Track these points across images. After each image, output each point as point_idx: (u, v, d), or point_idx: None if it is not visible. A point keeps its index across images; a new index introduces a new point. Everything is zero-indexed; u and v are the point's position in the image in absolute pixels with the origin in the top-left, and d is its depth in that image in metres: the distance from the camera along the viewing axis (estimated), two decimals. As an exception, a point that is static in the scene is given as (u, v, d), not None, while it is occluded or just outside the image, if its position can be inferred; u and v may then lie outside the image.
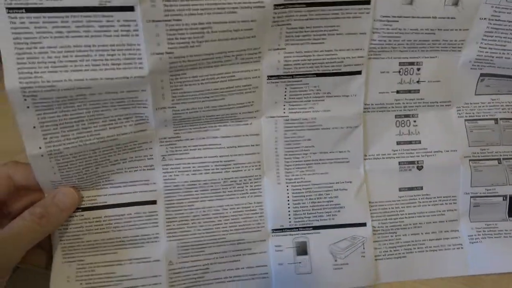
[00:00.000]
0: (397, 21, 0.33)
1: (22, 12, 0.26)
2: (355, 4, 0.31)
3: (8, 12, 0.26)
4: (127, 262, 0.33)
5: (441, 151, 0.36)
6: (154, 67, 0.29)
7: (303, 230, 0.35)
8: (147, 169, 0.33)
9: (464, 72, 0.36)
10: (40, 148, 0.29)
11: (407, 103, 0.36)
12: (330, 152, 0.35)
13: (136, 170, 0.33)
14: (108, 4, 0.27)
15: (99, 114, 0.30)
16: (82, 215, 0.32)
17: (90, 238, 0.32)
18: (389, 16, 0.33)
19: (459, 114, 0.37)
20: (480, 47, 0.35)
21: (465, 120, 0.37)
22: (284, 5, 0.30)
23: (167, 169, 0.33)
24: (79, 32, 0.27)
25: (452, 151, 0.36)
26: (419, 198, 0.36)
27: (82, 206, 0.32)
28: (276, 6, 0.30)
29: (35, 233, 0.29)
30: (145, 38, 0.28)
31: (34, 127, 0.28)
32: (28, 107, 0.28)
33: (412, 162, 0.36)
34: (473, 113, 0.37)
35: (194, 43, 0.29)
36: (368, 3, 0.32)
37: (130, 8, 0.27)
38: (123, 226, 0.33)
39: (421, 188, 0.36)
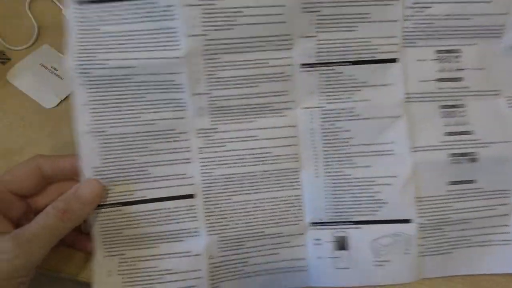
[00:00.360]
0: (430, 7, 0.33)
1: (86, 4, 0.31)
2: None
3: (78, 4, 0.31)
4: (168, 257, 0.32)
5: (495, 142, 0.34)
6: (190, 49, 0.31)
7: (342, 225, 0.33)
8: (185, 162, 0.33)
9: (509, 60, 0.34)
10: (87, 125, 0.31)
11: (451, 92, 0.34)
12: (372, 144, 0.33)
13: (173, 164, 0.33)
14: None
15: (142, 97, 0.32)
16: (121, 210, 0.32)
17: (130, 233, 0.32)
18: (420, 3, 0.33)
19: (509, 104, 0.35)
20: (524, 32, 0.34)
21: (516, 110, 0.34)
22: None
23: (204, 162, 0.33)
24: (128, 19, 0.31)
25: (505, 142, 0.34)
26: (470, 193, 0.34)
27: (121, 201, 0.32)
28: None
29: (59, 229, 0.29)
30: (182, 21, 0.30)
31: (85, 104, 0.31)
32: (81, 84, 0.31)
33: (464, 154, 0.33)
34: (524, 102, 0.35)
35: (227, 26, 0.31)
36: (398, -10, 0.32)
37: None
38: (163, 220, 0.32)
39: (474, 181, 0.34)
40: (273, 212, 0.33)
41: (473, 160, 0.33)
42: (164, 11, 0.31)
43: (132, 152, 0.32)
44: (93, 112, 0.32)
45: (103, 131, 0.32)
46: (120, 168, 0.32)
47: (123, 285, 0.32)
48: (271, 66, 0.32)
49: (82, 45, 0.31)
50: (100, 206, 0.32)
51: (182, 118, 0.33)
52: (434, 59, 0.34)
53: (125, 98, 0.32)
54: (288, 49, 0.32)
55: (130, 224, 0.32)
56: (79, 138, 0.32)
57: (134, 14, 0.31)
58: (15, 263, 0.26)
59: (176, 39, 0.31)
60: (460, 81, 0.34)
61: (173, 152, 0.33)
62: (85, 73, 0.31)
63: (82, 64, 0.31)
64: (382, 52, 0.33)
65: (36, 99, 0.41)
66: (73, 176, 0.32)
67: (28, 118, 0.41)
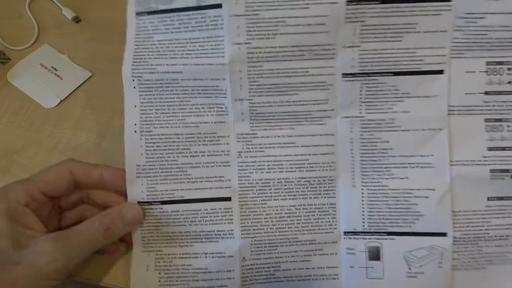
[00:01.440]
0: (483, 17, 0.31)
1: (145, 15, 0.34)
2: (434, 1, 0.31)
3: (137, 15, 0.34)
4: (203, 256, 0.34)
5: None
6: (233, 56, 0.32)
7: (376, 235, 0.33)
8: (223, 165, 0.34)
9: None
10: (135, 124, 0.34)
11: (498, 106, 0.33)
12: (411, 156, 0.33)
13: (212, 166, 0.34)
14: (203, 4, 0.32)
15: (187, 101, 0.34)
16: (162, 208, 0.34)
17: (168, 230, 0.34)
18: (474, 13, 0.31)
19: None
20: None
21: None
22: (357, 2, 0.31)
23: (242, 166, 0.34)
24: (180, 28, 0.33)
25: None
26: (509, 209, 0.33)
27: (161, 200, 0.34)
28: (349, 2, 0.31)
29: (98, 242, 0.30)
30: (227, 30, 0.32)
31: (135, 106, 0.34)
32: (134, 87, 0.33)
33: (506, 170, 0.33)
34: None
35: (270, 35, 0.31)
36: (449, 0, 0.31)
37: (219, 6, 0.32)
38: (199, 220, 0.34)
39: None
40: (307, 219, 0.33)
41: (515, 177, 0.33)
42: (212, 21, 0.32)
43: (174, 153, 0.34)
44: (142, 113, 0.34)
45: (149, 131, 0.34)
46: (162, 167, 0.34)
47: (160, 280, 0.33)
48: (312, 75, 0.33)
49: (136, 52, 0.33)
50: (140, 203, 0.34)
51: (223, 122, 0.34)
52: (483, 71, 0.33)
53: (172, 101, 0.34)
54: (330, 58, 0.32)
55: (168, 222, 0.34)
56: (126, 136, 0.34)
57: (185, 23, 0.33)
58: (55, 266, 0.27)
59: (222, 47, 0.32)
60: (509, 94, 0.33)
61: (213, 155, 0.34)
62: (138, 77, 0.33)
63: (135, 69, 0.33)
64: (429, 64, 0.32)
65: (36, 99, 0.42)
66: (101, 186, 0.33)
67: (28, 118, 0.41)
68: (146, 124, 0.34)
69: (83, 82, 0.43)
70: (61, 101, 0.42)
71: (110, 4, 0.47)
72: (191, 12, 0.32)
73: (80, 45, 0.45)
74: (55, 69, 0.43)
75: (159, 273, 0.33)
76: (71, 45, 0.45)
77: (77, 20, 0.47)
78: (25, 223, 0.29)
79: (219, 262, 0.33)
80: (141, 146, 0.34)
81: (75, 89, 0.43)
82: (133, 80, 0.33)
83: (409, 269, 0.33)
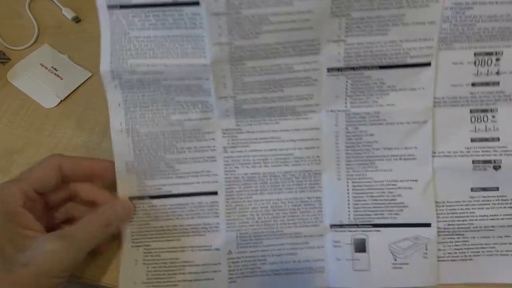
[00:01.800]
0: (472, 8, 0.31)
1: (118, 9, 0.32)
2: None
3: (108, 9, 0.32)
4: (190, 249, 0.34)
5: None
6: (215, 56, 0.31)
7: (362, 227, 0.34)
8: (210, 161, 0.34)
9: None
10: (121, 124, 0.34)
11: (484, 96, 0.33)
12: (395, 148, 0.33)
13: (199, 161, 0.34)
14: (178, 0, 0.31)
15: (171, 99, 0.33)
16: (150, 202, 0.34)
17: (157, 224, 0.34)
18: (462, 3, 0.30)
19: None
20: None
21: (553, 117, 0.33)
22: None
23: (228, 161, 0.34)
24: (157, 25, 0.32)
25: None
26: (493, 200, 0.33)
27: (149, 195, 0.34)
28: None
29: (99, 238, 0.31)
30: (208, 29, 0.30)
31: (119, 104, 0.34)
32: (115, 86, 0.33)
33: (488, 161, 0.33)
34: None
35: (253, 34, 0.30)
36: (438, -10, 0.30)
37: (197, 3, 0.30)
38: (186, 214, 0.34)
39: (497, 189, 0.33)
40: (293, 213, 0.34)
41: (496, 168, 0.33)
42: (191, 19, 0.31)
43: (161, 150, 0.34)
44: (126, 112, 0.33)
45: (135, 129, 0.34)
46: (150, 163, 0.34)
47: (148, 274, 0.34)
48: (297, 71, 0.32)
49: (113, 48, 0.32)
50: (130, 198, 0.34)
51: (208, 118, 0.34)
52: (471, 62, 0.32)
53: (155, 99, 0.33)
54: (314, 53, 0.32)
55: (156, 216, 0.34)
56: (113, 135, 0.34)
57: (161, 20, 0.31)
58: (63, 264, 0.28)
59: (202, 47, 0.31)
60: (496, 85, 0.33)
61: (199, 151, 0.34)
62: (118, 77, 0.32)
63: (114, 70, 0.32)
64: (415, 56, 0.32)
65: (36, 99, 0.42)
66: (90, 178, 0.34)
67: (28, 118, 0.41)
68: (132, 123, 0.34)
69: (83, 82, 0.43)
70: (61, 101, 0.42)
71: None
72: (166, 8, 0.31)
73: (80, 45, 0.45)
74: (55, 69, 0.43)
75: (147, 267, 0.34)
76: (71, 45, 0.45)
77: (77, 20, 0.46)
78: (24, 223, 0.29)
79: (205, 255, 0.34)
80: (128, 144, 0.34)
81: (75, 89, 0.42)
82: (114, 79, 0.32)
83: (395, 260, 0.34)
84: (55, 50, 0.44)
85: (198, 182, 0.34)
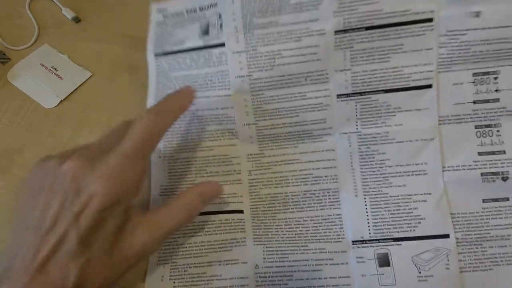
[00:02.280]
0: (465, 34, 0.34)
1: (162, 56, 0.39)
2: (417, 23, 0.34)
3: (155, 56, 0.39)
4: (217, 264, 0.36)
5: None
6: (237, 87, 0.36)
7: (383, 242, 0.35)
8: (236, 183, 0.38)
9: None
10: (160, 150, 0.39)
11: (487, 113, 0.35)
12: (406, 165, 0.36)
13: (226, 184, 0.38)
14: (209, 44, 0.37)
15: (202, 128, 0.38)
16: None
17: (184, 241, 0.37)
18: (455, 30, 0.34)
19: None
20: None
21: (556, 129, 0.35)
22: (345, 31, 0.34)
23: (252, 183, 0.38)
24: (191, 65, 0.38)
25: None
26: (505, 210, 0.35)
27: None
28: (337, 32, 0.34)
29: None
30: (231, 65, 0.36)
31: None
32: None
33: (497, 173, 0.35)
34: None
35: (268, 67, 0.35)
36: (431, 20, 0.34)
37: (222, 45, 0.37)
38: (214, 230, 0.37)
39: (507, 199, 0.35)
40: (316, 230, 0.36)
41: (504, 179, 0.35)
42: (218, 58, 0.37)
43: (192, 173, 0.38)
44: (165, 141, 0.39)
45: (171, 156, 0.38)
46: (182, 186, 0.38)
47: None
48: (310, 98, 0.36)
49: (158, 88, 0.39)
50: None
51: (234, 145, 0.38)
52: (471, 82, 0.35)
53: (189, 129, 0.38)
54: (324, 82, 0.36)
55: (185, 233, 0.37)
56: (152, 161, 0.38)
57: (195, 61, 0.37)
58: (149, 249, 0.29)
59: (227, 80, 0.37)
60: (496, 102, 0.35)
61: (226, 174, 0.38)
62: None
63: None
64: (417, 80, 0.35)
65: (36, 99, 0.42)
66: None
67: (28, 118, 0.41)
68: (169, 150, 0.38)
69: (83, 82, 0.43)
70: (61, 101, 0.42)
71: (110, 4, 0.48)
72: (199, 51, 0.37)
73: (80, 45, 0.45)
74: (55, 69, 0.43)
75: (174, 282, 0.36)
76: (71, 45, 0.45)
77: (77, 20, 0.47)
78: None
79: (232, 269, 0.36)
80: (165, 170, 0.38)
81: (75, 89, 0.43)
82: None
83: (419, 272, 0.34)
84: (55, 50, 0.45)
85: (225, 203, 0.38)
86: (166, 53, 0.39)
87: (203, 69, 0.37)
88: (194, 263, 0.36)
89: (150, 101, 0.39)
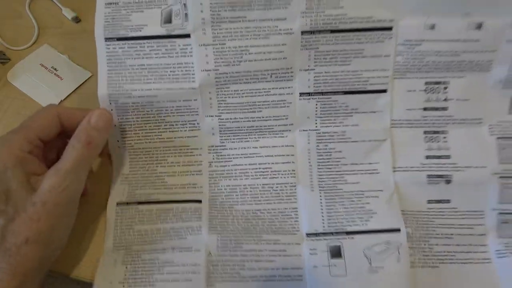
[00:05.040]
0: (420, 44, 0.36)
1: (114, 41, 0.37)
2: (378, 30, 0.36)
3: (105, 41, 0.37)
4: (170, 250, 0.36)
5: (471, 167, 0.37)
6: (203, 81, 0.36)
7: (337, 235, 0.36)
8: (196, 174, 0.38)
9: (495, 91, 0.37)
10: (118, 141, 0.38)
11: (435, 120, 0.38)
12: (360, 164, 0.38)
13: (186, 175, 0.38)
14: (172, 33, 0.36)
15: (162, 119, 0.38)
16: (137, 208, 0.37)
17: (141, 228, 0.37)
18: (411, 40, 0.36)
19: (491, 132, 0.38)
20: (510, 68, 0.37)
21: (497, 137, 0.38)
22: (311, 32, 0.35)
23: (212, 174, 0.38)
24: (151, 54, 0.37)
25: (482, 167, 0.37)
26: (447, 211, 0.37)
27: (138, 201, 0.37)
28: (304, 32, 0.35)
29: (87, 158, 0.32)
30: (197, 58, 0.36)
31: (115, 125, 0.37)
32: (111, 109, 0.37)
33: (441, 176, 0.38)
34: (506, 131, 0.38)
35: (235, 62, 0.36)
36: (390, 29, 0.36)
37: (187, 36, 0.36)
38: (170, 218, 0.37)
39: (449, 201, 0.37)
40: (272, 222, 0.37)
41: (448, 182, 0.37)
42: (182, 49, 0.36)
43: (154, 163, 0.38)
44: (123, 131, 0.38)
45: (131, 146, 0.38)
46: (143, 175, 0.38)
47: (126, 274, 0.35)
48: (273, 95, 0.37)
49: (110, 75, 0.37)
50: (118, 204, 0.37)
51: (195, 136, 0.38)
52: (423, 90, 0.38)
53: (148, 120, 0.38)
54: (289, 80, 0.37)
55: (141, 221, 0.37)
56: (111, 150, 0.38)
57: (155, 50, 0.36)
58: (64, 195, 0.29)
59: (192, 73, 0.37)
60: (445, 110, 0.38)
61: (187, 165, 0.38)
62: (114, 100, 0.37)
63: (111, 93, 0.37)
64: (373, 84, 0.37)
65: (36, 99, 0.42)
66: None
67: None
68: (127, 141, 0.38)
69: (83, 82, 0.43)
70: (61, 101, 0.42)
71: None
72: (161, 40, 0.36)
73: (80, 45, 0.45)
74: (55, 69, 0.44)
75: (126, 267, 0.35)
76: (71, 45, 0.45)
77: (77, 20, 0.47)
78: (33, 169, 0.30)
79: (185, 256, 0.36)
80: (125, 158, 0.38)
81: (75, 89, 0.43)
82: (110, 103, 0.37)
83: (370, 264, 0.35)
84: (55, 50, 0.45)
85: (184, 193, 0.38)
86: (120, 38, 0.36)
87: (164, 59, 0.36)
88: (149, 250, 0.36)
89: (102, 89, 0.36)
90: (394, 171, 0.38)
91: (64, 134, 0.34)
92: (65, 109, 0.34)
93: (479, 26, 0.36)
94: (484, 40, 0.36)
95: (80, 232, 0.37)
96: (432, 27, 0.36)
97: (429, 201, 0.38)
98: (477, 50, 0.36)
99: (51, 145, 0.34)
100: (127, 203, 0.38)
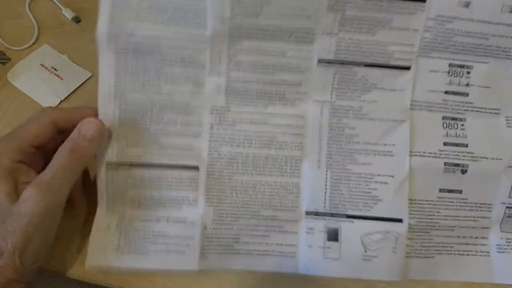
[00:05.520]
0: (452, 21, 0.34)
1: None
2: (411, 0, 0.33)
3: None
4: (164, 220, 0.34)
5: (487, 158, 0.36)
6: (215, 30, 0.33)
7: (336, 217, 0.35)
8: (195, 136, 0.34)
9: None
10: (109, 87, 0.33)
11: (455, 105, 0.36)
12: (374, 144, 0.35)
13: (184, 135, 0.34)
14: None
15: (163, 68, 0.34)
16: (130, 170, 0.34)
17: (134, 193, 0.34)
18: (443, 16, 0.34)
19: (508, 123, 0.36)
20: (534, 60, 0.35)
21: (514, 130, 0.36)
22: None
23: (213, 137, 0.35)
24: None
25: (498, 159, 0.36)
26: (456, 202, 0.36)
27: (129, 162, 0.34)
28: None
29: (72, 168, 0.30)
30: (212, 2, 0.32)
31: (110, 67, 0.33)
32: (110, 48, 0.33)
33: (458, 165, 0.35)
34: (523, 124, 0.36)
35: (254, 13, 0.32)
36: (424, 1, 0.33)
37: None
38: (165, 186, 0.34)
39: (461, 192, 0.36)
40: (271, 196, 0.35)
41: (464, 171, 0.35)
42: None
43: (147, 119, 0.34)
44: (117, 76, 0.33)
45: (123, 96, 0.34)
46: (134, 131, 0.34)
47: (119, 240, 0.34)
48: (290, 57, 0.34)
49: (113, 11, 0.32)
50: (108, 164, 0.34)
51: (198, 93, 0.34)
52: (446, 72, 0.35)
53: (148, 67, 0.34)
54: (309, 42, 0.34)
55: (134, 185, 0.34)
56: (100, 99, 0.33)
57: None
58: (42, 205, 0.28)
59: (204, 19, 0.32)
60: (465, 96, 0.36)
61: (186, 125, 0.34)
62: (114, 40, 0.33)
63: (113, 29, 0.32)
64: (398, 59, 0.34)
65: (36, 99, 0.42)
66: None
67: None
68: (120, 89, 0.34)
69: (83, 82, 0.43)
70: (61, 101, 0.42)
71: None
72: None
73: (80, 45, 0.45)
74: (55, 69, 0.43)
75: (119, 234, 0.34)
76: (71, 45, 0.45)
77: (77, 20, 0.47)
78: (22, 178, 0.30)
79: (179, 228, 0.34)
80: (115, 110, 0.34)
81: (75, 89, 0.43)
82: (110, 40, 0.33)
83: (365, 251, 0.34)
84: (55, 50, 0.45)
85: (180, 156, 0.34)
86: None
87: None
88: (142, 217, 0.34)
89: (102, 26, 0.32)
90: (411, 155, 0.35)
91: (64, 134, 0.32)
92: (61, 113, 0.33)
93: (513, 10, 0.34)
94: None
95: (79, 231, 0.36)
96: (467, 5, 0.33)
97: (441, 190, 0.36)
98: (507, 35, 0.34)
99: (51, 145, 0.32)
100: (118, 164, 0.34)
